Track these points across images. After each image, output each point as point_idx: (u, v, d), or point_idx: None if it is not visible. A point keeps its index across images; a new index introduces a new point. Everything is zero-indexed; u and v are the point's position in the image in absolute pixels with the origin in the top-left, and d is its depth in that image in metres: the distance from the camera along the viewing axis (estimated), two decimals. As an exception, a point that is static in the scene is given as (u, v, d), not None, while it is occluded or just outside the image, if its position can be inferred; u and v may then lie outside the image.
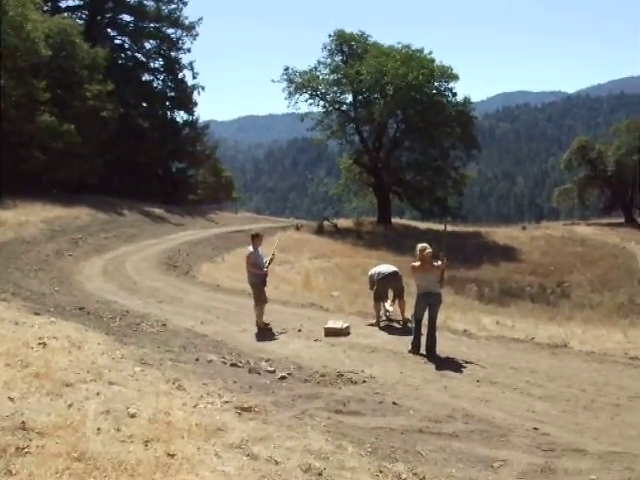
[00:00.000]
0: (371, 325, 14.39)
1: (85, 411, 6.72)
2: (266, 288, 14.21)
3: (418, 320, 11.95)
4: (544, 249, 45.26)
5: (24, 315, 13.01)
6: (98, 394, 7.53)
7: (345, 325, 13.57)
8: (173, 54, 55.09)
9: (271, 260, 14.43)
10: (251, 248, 14.09)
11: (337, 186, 59.67)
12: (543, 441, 7.61)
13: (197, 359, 10.98)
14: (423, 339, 11.82)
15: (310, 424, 7.75)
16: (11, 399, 6.76)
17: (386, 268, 14.92)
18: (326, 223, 47.56)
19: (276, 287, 20.63)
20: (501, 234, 50.71)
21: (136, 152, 48.26)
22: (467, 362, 11.16)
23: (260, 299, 13.97)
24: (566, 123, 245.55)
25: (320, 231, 44.91)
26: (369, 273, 15.28)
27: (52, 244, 26.54)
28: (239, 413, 7.79)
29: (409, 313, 13.32)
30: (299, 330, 13.83)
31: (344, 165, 56.19)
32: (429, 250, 11.87)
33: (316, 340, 12.95)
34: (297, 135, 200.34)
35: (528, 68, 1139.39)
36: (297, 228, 45.94)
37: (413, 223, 55.87)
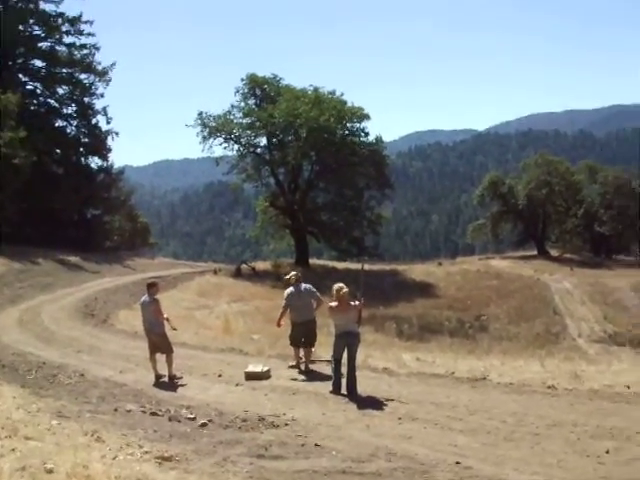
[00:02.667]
0: (292, 367, 14.26)
1: (0, 469, 6.50)
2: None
3: (337, 360, 11.90)
4: (460, 284, 46.05)
5: None
6: (13, 450, 7.27)
7: (266, 368, 13.46)
8: (86, 99, 54.62)
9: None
10: (147, 297, 13.41)
11: (254, 229, 59.90)
12: (465, 475, 7.62)
13: (116, 409, 10.72)
14: (343, 379, 11.79)
15: (232, 471, 7.64)
16: None
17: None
18: (244, 266, 47.50)
19: (196, 332, 20.45)
20: (418, 271, 51.40)
21: (50, 199, 47.21)
22: (388, 400, 11.15)
23: (171, 347, 13.64)
24: (477, 160, 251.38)
25: (238, 275, 44.90)
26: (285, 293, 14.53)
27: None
28: (159, 463, 7.63)
29: (329, 354, 12.89)
30: (219, 375, 13.66)
31: (260, 208, 56.22)
32: (345, 290, 11.87)
33: (237, 385, 12.77)
34: (213, 179, 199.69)
35: (439, 107, 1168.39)
36: (215, 272, 45.79)
37: (331, 263, 56.14)
